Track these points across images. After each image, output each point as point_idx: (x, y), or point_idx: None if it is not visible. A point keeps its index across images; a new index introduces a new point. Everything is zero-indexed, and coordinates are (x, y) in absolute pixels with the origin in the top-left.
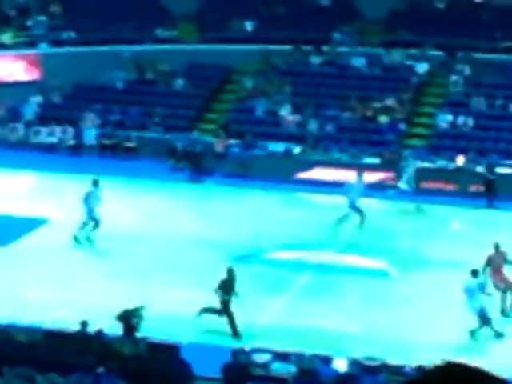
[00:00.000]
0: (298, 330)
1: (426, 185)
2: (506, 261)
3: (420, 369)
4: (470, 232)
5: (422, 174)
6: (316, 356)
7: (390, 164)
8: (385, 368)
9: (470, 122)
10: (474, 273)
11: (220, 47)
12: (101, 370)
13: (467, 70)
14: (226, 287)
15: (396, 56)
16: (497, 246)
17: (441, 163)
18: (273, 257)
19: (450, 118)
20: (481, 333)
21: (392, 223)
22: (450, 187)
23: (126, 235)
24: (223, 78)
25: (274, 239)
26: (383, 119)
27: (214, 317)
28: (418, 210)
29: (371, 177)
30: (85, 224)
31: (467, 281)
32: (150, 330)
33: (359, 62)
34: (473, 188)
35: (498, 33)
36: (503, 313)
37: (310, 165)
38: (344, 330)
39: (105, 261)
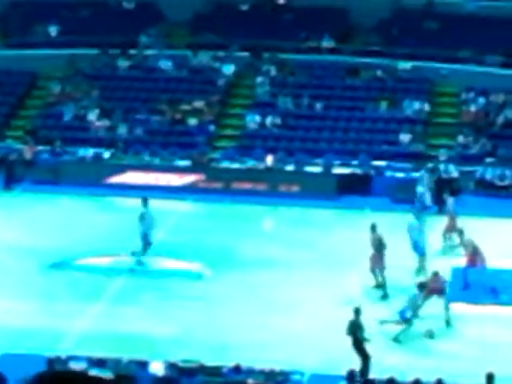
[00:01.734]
0: (114, 336)
1: (236, 185)
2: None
3: (237, 368)
4: (281, 231)
5: (232, 175)
6: (133, 361)
7: (200, 166)
8: (202, 369)
9: (278, 121)
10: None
11: (25, 52)
12: None
13: (273, 71)
14: (355, 327)
15: (203, 58)
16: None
17: (251, 163)
18: (87, 263)
19: (258, 118)
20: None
21: (204, 225)
22: (261, 187)
23: None
24: (29, 84)
25: (87, 245)
26: (192, 121)
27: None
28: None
29: (183, 179)
30: None
31: None
32: None
33: (166, 65)
34: (282, 187)
35: (302, 33)
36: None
37: (121, 169)
38: (160, 334)
39: None
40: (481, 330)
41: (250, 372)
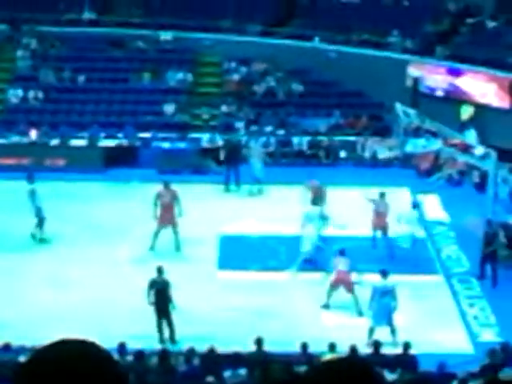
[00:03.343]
0: None
1: (1, 161)
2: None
3: (7, 347)
4: (49, 206)
5: None
6: None
7: None
8: None
9: (40, 95)
10: None
11: None
12: None
13: (34, 44)
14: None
15: None
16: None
17: (15, 138)
18: None
19: (20, 92)
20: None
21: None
22: (25, 161)
23: None
24: None
25: None
26: None
27: None
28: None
29: None
30: None
31: None
32: None
33: None
34: (48, 161)
35: (62, 5)
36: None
37: None
38: None
39: None
40: (249, 297)
41: (21, 350)
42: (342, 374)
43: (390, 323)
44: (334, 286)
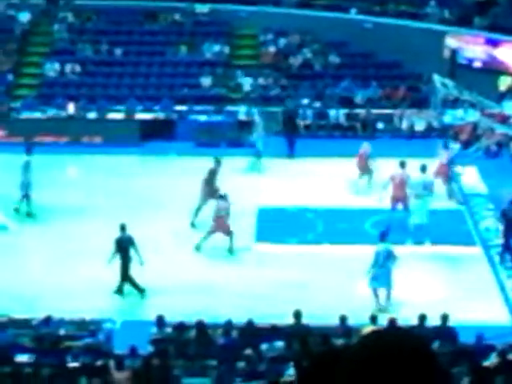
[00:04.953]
0: None
1: (39, 137)
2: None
3: (48, 320)
4: (87, 179)
5: (34, 125)
6: None
7: (0, 116)
8: (12, 323)
9: (78, 69)
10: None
11: None
12: None
13: (70, 17)
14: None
15: None
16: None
17: (52, 112)
18: None
19: (57, 66)
20: None
21: (4, 177)
22: (64, 137)
23: None
24: None
25: None
26: None
27: None
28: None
29: None
30: None
31: None
32: None
33: None
34: (85, 136)
35: None
36: None
37: None
38: None
39: None
40: (288, 270)
41: (61, 323)
42: (395, 345)
43: (389, 286)
44: None
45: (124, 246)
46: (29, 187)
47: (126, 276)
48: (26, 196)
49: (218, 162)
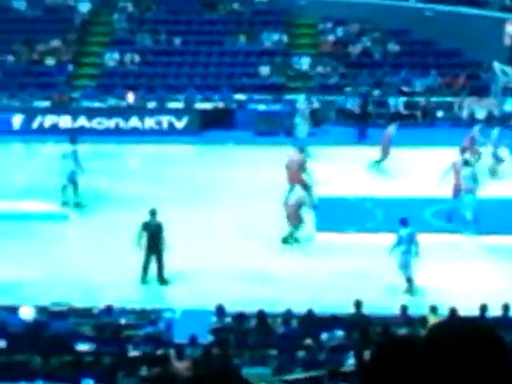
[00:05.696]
0: None
1: (98, 124)
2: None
3: (109, 309)
4: (147, 168)
5: (93, 114)
6: (1, 307)
7: (61, 106)
8: (73, 312)
9: (137, 58)
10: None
11: None
12: None
13: (130, 7)
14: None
15: None
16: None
17: (112, 102)
18: None
19: (116, 56)
20: None
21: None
22: (124, 125)
23: None
24: None
25: None
26: (50, 61)
27: None
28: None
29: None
30: None
31: None
32: None
33: (20, 5)
34: (145, 124)
35: None
36: None
37: None
38: (28, 278)
39: None
40: (348, 259)
41: (122, 312)
42: (467, 335)
43: (410, 270)
44: None
45: (151, 231)
46: (75, 176)
47: (147, 263)
48: (74, 185)
49: (302, 151)
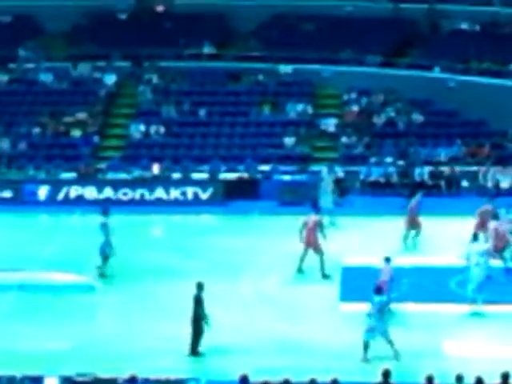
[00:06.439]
0: (7, 353)
1: (124, 195)
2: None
3: (133, 379)
4: (171, 238)
5: (119, 185)
6: (27, 377)
7: (87, 177)
8: (97, 382)
9: (162, 129)
10: None
11: None
12: None
13: (155, 79)
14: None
15: (83, 69)
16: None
17: (137, 173)
18: None
19: (142, 127)
20: None
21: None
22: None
23: None
24: None
25: None
26: (76, 133)
27: None
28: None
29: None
30: None
31: None
32: None
33: (47, 78)
34: (170, 195)
35: (182, 40)
36: None
37: (6, 184)
38: (54, 349)
39: None
40: None
41: (146, 381)
42: None
43: (387, 335)
44: None
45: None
46: (107, 248)
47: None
48: (105, 257)
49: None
